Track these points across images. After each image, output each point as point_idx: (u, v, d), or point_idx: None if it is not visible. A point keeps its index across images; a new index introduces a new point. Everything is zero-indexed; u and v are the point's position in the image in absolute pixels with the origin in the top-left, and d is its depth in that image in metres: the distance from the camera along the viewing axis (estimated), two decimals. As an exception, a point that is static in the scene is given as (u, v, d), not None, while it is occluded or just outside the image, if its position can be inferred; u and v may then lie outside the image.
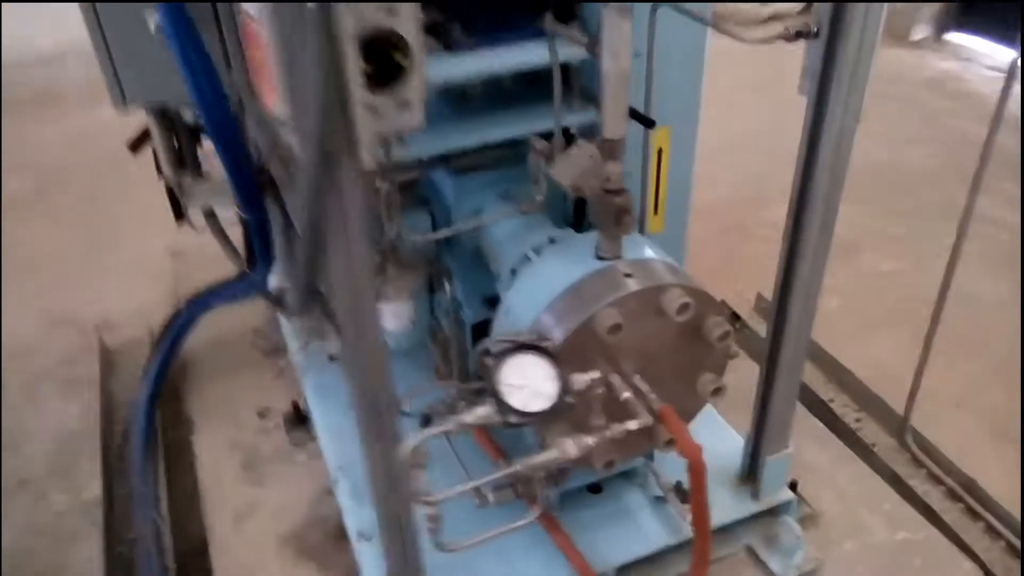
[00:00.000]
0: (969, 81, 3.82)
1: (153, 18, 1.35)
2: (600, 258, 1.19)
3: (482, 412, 1.05)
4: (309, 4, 0.67)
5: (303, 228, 0.81)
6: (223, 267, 1.83)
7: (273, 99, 0.92)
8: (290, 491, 1.76)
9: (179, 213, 1.74)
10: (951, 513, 1.70)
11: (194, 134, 1.63)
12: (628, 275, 1.16)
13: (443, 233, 1.38)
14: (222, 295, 1.88)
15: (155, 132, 1.62)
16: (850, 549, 1.58)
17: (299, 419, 1.85)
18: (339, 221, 0.81)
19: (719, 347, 1.21)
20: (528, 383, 1.04)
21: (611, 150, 1.11)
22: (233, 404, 1.98)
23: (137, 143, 1.90)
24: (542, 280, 1.21)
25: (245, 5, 0.98)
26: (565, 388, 1.04)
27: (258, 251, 1.46)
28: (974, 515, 1.70)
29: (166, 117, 1.60)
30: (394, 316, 1.48)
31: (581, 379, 1.09)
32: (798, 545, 1.49)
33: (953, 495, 1.73)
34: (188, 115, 1.63)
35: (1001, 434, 1.87)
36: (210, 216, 1.74)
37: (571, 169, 1.13)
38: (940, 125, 3.38)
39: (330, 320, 1.49)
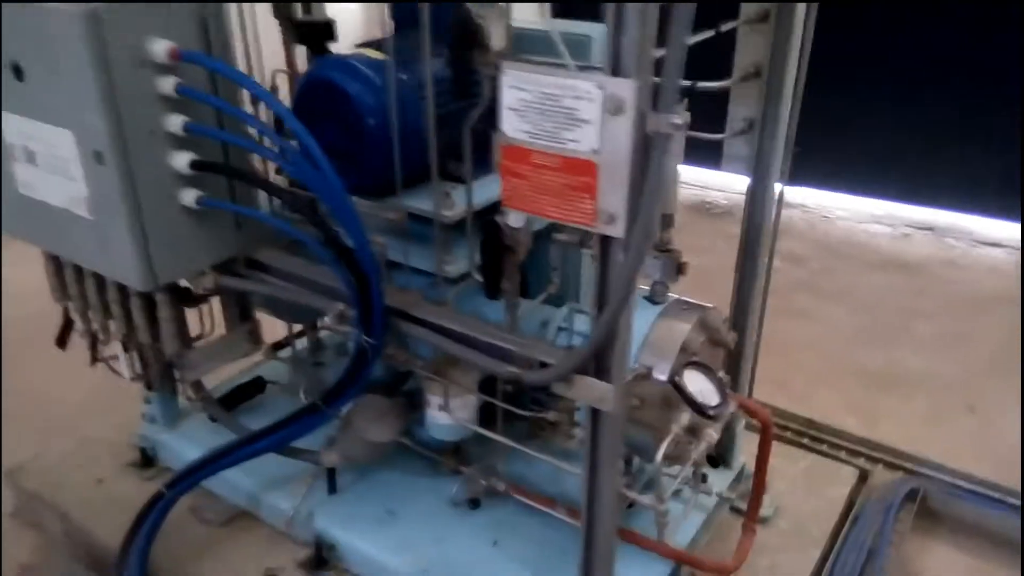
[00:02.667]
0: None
1: (192, 194, 1.36)
2: (655, 302, 1.56)
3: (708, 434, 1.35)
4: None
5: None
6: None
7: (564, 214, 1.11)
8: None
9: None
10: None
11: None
12: (684, 308, 1.55)
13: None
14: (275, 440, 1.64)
15: (164, 309, 1.49)
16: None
17: (320, 561, 1.73)
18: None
19: (724, 350, 1.66)
20: (700, 388, 1.36)
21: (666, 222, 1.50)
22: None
23: (65, 336, 1.68)
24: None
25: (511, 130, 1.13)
26: (719, 387, 1.39)
27: (358, 379, 1.46)
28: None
29: (176, 289, 1.50)
30: (462, 408, 1.61)
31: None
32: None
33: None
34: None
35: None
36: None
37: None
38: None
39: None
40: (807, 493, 2.05)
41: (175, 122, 1.36)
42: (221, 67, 1.37)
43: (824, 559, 1.86)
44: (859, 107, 3.93)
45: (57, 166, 1.43)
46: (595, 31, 1.52)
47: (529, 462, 1.79)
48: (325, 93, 1.44)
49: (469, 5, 1.28)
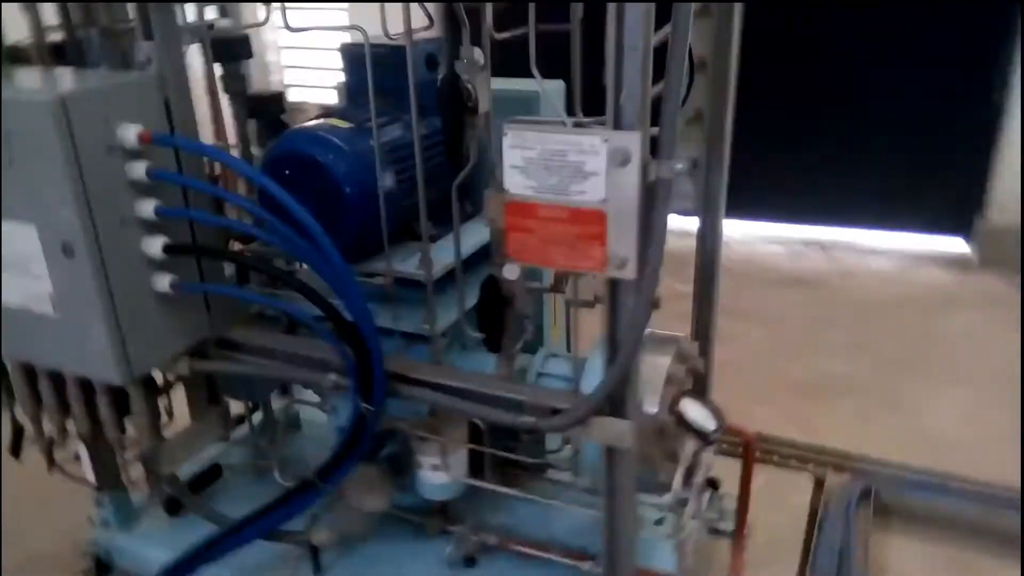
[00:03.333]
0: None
1: (166, 279, 1.32)
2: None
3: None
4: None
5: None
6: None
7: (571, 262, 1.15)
8: None
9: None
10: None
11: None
12: (660, 341, 1.61)
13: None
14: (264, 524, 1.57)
15: (138, 402, 1.41)
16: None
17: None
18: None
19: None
20: (697, 415, 1.42)
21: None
22: None
23: (18, 445, 1.57)
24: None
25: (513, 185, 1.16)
26: (715, 412, 1.45)
27: (357, 450, 1.42)
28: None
29: (147, 380, 1.42)
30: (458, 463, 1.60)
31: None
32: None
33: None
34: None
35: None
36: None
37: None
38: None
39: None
40: (772, 505, 2.14)
41: (146, 207, 1.32)
42: (200, 146, 1.34)
43: (802, 568, 1.95)
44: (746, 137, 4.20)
45: (13, 263, 1.35)
46: (551, 87, 1.59)
47: (509, 510, 1.81)
48: (298, 165, 1.44)
49: (458, 68, 1.31)
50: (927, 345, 3.23)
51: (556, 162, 1.11)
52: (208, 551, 1.59)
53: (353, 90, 1.64)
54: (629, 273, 1.12)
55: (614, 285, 1.16)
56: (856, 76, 4.08)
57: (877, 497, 2.22)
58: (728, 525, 1.82)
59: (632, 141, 1.05)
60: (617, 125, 1.07)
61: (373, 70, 1.45)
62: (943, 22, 3.89)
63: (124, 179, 1.30)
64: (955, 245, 4.15)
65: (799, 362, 3.17)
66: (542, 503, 1.71)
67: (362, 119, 1.51)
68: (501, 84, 1.56)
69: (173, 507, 1.93)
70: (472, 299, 1.46)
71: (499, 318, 1.35)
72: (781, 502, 2.15)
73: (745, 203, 4.49)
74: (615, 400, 1.23)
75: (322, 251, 1.25)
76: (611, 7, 1.02)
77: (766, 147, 4.23)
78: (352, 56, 1.64)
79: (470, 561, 1.75)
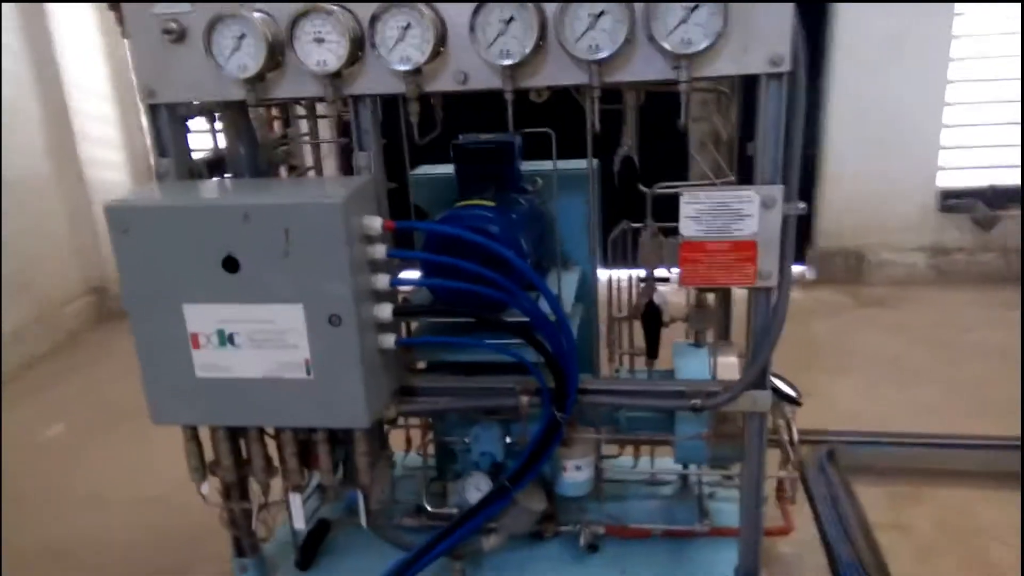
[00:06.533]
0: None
1: (391, 337, 1.67)
2: (699, 346, 2.11)
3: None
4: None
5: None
6: None
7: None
8: None
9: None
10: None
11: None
12: (722, 345, 2.12)
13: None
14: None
15: (363, 444, 1.72)
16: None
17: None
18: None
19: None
20: (783, 386, 1.95)
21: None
22: None
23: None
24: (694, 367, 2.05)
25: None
26: (789, 384, 1.98)
27: (545, 456, 1.78)
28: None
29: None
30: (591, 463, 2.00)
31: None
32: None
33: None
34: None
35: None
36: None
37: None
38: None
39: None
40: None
41: (383, 280, 1.66)
42: (431, 225, 1.72)
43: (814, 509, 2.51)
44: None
45: (267, 340, 1.62)
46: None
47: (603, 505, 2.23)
48: (461, 242, 1.77)
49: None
50: (812, 345, 4.01)
51: (721, 210, 1.61)
52: (407, 570, 1.86)
53: (463, 174, 2.06)
54: (773, 282, 1.64)
55: (758, 292, 1.68)
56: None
57: (835, 457, 2.86)
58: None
59: (777, 192, 1.59)
60: (764, 181, 1.60)
61: (482, 160, 1.90)
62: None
63: (368, 259, 1.63)
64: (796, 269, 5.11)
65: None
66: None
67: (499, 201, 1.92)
68: (561, 164, 2.06)
69: (303, 562, 2.16)
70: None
71: (655, 332, 1.81)
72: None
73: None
74: (756, 378, 1.73)
75: (549, 299, 1.66)
76: (761, 103, 1.55)
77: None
78: (462, 152, 2.05)
79: (593, 548, 2.14)
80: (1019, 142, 4.49)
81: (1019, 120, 4.44)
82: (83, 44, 4.78)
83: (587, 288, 2.17)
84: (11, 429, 3.64)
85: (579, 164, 2.03)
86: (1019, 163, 4.54)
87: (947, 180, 4.73)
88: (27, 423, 3.69)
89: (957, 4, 4.38)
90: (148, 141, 5.25)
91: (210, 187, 1.79)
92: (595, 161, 2.06)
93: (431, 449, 2.20)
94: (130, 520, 2.87)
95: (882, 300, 4.61)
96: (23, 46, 4.44)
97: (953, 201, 4.73)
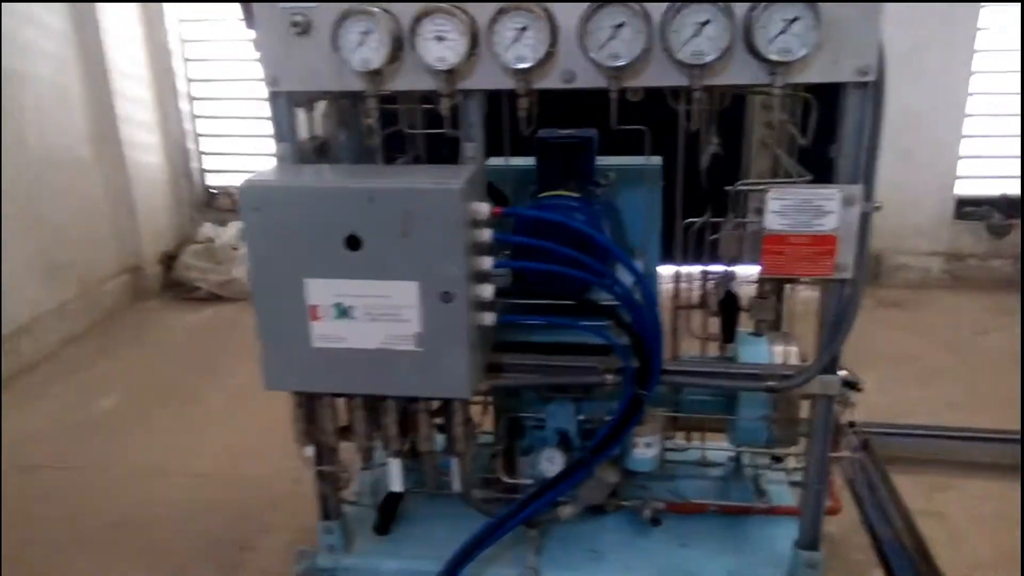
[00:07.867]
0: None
1: (490, 315, 1.79)
2: (759, 335, 2.24)
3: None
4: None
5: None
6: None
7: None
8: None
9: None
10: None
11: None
12: (780, 335, 2.26)
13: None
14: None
15: (461, 413, 1.85)
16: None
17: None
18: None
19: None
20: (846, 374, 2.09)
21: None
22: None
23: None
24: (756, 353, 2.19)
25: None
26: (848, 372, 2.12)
27: (627, 429, 1.92)
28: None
29: None
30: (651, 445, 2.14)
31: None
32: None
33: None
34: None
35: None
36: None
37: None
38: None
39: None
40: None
41: (487, 262, 1.78)
42: (536, 213, 1.85)
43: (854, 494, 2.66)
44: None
45: (384, 314, 1.75)
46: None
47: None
48: (554, 228, 1.89)
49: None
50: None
51: (804, 206, 1.75)
52: (489, 537, 1.99)
53: (543, 172, 2.18)
54: (848, 274, 1.78)
55: (833, 284, 1.81)
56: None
57: (870, 446, 3.01)
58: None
59: (857, 190, 1.72)
60: (845, 180, 1.73)
61: (563, 153, 2.04)
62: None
63: (476, 242, 1.76)
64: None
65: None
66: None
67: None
68: (626, 160, 2.20)
69: (383, 527, 2.28)
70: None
71: (732, 319, 1.95)
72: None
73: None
74: (828, 364, 1.87)
75: (642, 283, 1.79)
76: (847, 109, 1.68)
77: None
78: (545, 145, 2.18)
79: (655, 521, 2.27)
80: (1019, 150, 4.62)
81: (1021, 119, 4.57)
82: (125, 30, 4.88)
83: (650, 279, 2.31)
84: (60, 403, 3.75)
85: (636, 161, 2.18)
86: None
87: (964, 189, 4.89)
88: (78, 397, 3.80)
89: (980, 18, 4.53)
90: (185, 125, 5.36)
91: (335, 170, 1.91)
92: (658, 159, 2.19)
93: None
94: (188, 493, 2.99)
95: (899, 302, 4.76)
96: (69, 28, 4.53)
97: (969, 209, 4.89)
